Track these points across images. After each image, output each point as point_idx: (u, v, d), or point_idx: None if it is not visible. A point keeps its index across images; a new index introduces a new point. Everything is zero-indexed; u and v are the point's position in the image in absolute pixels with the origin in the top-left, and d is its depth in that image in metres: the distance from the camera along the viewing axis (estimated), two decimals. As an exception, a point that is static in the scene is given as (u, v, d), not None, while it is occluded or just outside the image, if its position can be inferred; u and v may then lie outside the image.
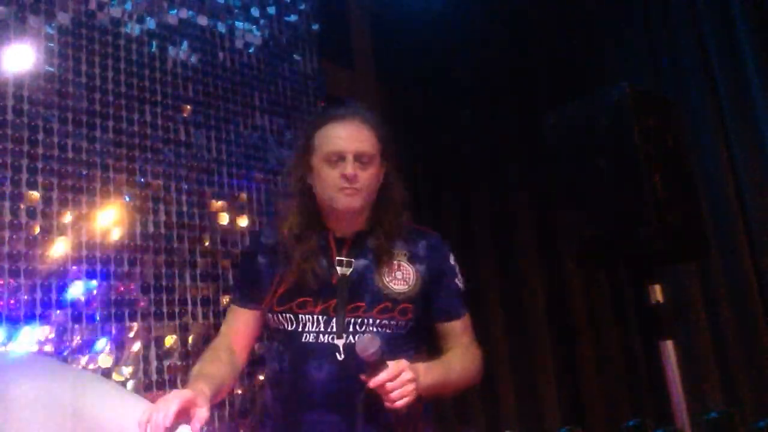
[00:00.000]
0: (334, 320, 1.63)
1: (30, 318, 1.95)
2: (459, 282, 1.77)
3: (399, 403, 1.43)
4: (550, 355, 2.97)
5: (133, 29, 2.41)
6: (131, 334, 2.16)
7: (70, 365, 1.95)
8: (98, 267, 2.13)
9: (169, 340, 2.26)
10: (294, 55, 2.98)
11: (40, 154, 2.07)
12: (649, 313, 1.87)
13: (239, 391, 2.37)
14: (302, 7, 3.07)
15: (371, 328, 1.62)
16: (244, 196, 2.62)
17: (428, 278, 1.71)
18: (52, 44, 2.18)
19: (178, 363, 2.25)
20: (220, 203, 2.53)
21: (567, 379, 2.94)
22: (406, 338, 1.69)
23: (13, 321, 1.92)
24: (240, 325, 1.77)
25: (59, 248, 2.06)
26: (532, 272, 3.07)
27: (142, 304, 2.21)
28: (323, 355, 1.61)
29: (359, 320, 1.63)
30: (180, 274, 2.33)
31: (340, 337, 1.62)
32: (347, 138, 1.68)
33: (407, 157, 3.08)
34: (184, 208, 2.40)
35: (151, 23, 2.47)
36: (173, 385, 2.21)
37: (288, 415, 1.65)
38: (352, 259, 1.69)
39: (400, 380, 1.43)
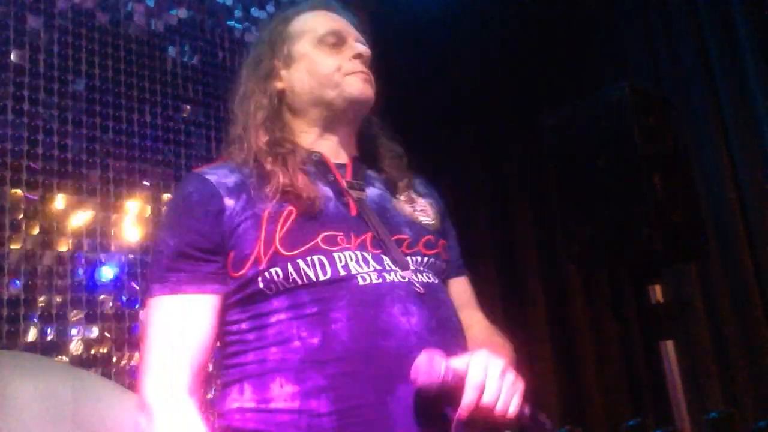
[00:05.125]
0: (383, 255, 1.13)
1: (31, 318, 1.95)
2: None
3: (512, 411, 0.98)
4: (549, 355, 2.97)
5: (133, 29, 2.41)
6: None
7: (70, 365, 1.95)
8: (98, 267, 2.13)
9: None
10: (294, 55, 2.98)
11: (40, 154, 2.07)
12: (649, 313, 1.87)
13: None
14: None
15: (424, 269, 1.18)
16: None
17: (440, 217, 1.33)
18: (52, 44, 2.18)
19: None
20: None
21: (567, 379, 2.94)
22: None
23: (14, 321, 1.92)
24: (198, 326, 1.10)
25: (59, 248, 2.06)
26: (532, 272, 3.07)
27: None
28: (404, 296, 1.09)
29: (409, 258, 1.17)
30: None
31: (406, 269, 1.14)
32: (344, 23, 1.32)
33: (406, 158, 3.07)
34: (184, 208, 2.40)
35: (151, 23, 2.47)
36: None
37: (356, 406, 1.01)
38: (363, 183, 1.25)
39: (494, 380, 0.97)
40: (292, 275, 1.08)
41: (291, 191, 1.13)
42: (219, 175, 1.18)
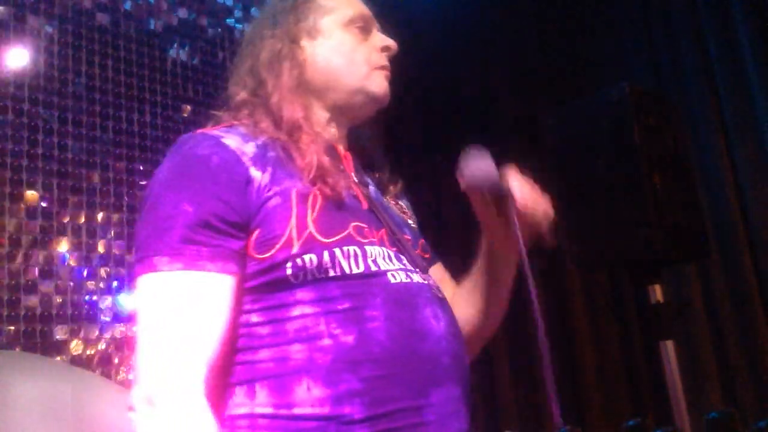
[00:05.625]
0: (400, 254, 1.08)
1: (31, 318, 1.95)
2: None
3: (551, 211, 1.09)
4: (549, 355, 2.97)
5: (133, 29, 2.41)
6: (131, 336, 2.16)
7: (70, 365, 1.95)
8: (98, 267, 2.13)
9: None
10: (294, 55, 2.98)
11: (40, 154, 2.07)
12: (649, 314, 1.87)
13: None
14: (302, 7, 3.08)
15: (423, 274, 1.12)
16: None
17: (413, 216, 1.29)
18: (52, 44, 2.18)
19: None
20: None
21: (567, 379, 2.93)
22: None
23: (14, 321, 1.92)
24: (217, 311, 0.95)
25: (59, 248, 2.06)
26: (532, 272, 3.07)
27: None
28: (430, 299, 1.05)
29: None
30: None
31: (425, 271, 1.10)
32: (367, 10, 1.21)
33: (406, 159, 3.08)
34: (184, 208, 2.40)
35: (151, 23, 2.47)
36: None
37: (391, 412, 0.94)
38: (364, 178, 1.18)
39: (529, 189, 1.06)
40: (326, 264, 0.97)
41: (318, 174, 1.03)
42: (236, 141, 1.03)
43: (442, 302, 1.08)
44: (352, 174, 1.14)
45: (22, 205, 2.00)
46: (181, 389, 0.90)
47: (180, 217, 0.95)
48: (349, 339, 0.95)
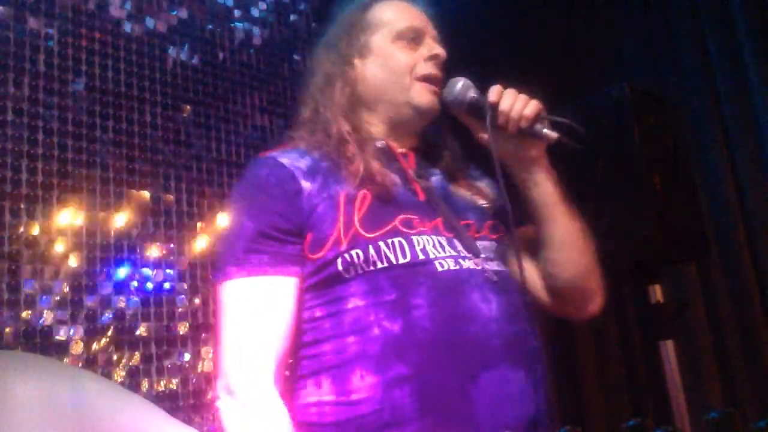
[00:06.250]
0: (455, 239, 1.15)
1: (31, 318, 1.95)
2: None
3: (531, 109, 1.15)
4: (549, 355, 2.97)
5: (133, 29, 2.41)
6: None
7: (70, 365, 1.95)
8: (98, 267, 2.13)
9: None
10: (294, 55, 2.98)
11: (40, 154, 2.07)
12: (649, 313, 1.87)
13: None
14: (302, 7, 3.07)
15: (493, 256, 1.18)
16: (244, 196, 2.62)
17: (496, 195, 1.32)
18: (52, 44, 2.18)
19: (177, 362, 2.25)
20: (220, 203, 2.53)
21: (567, 379, 2.93)
22: None
23: (14, 321, 1.92)
24: (282, 310, 1.10)
25: (59, 248, 2.06)
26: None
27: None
28: (481, 283, 1.11)
29: (478, 243, 1.19)
30: (180, 275, 2.33)
31: (478, 256, 1.15)
32: (423, 18, 1.30)
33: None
34: (185, 209, 2.40)
35: (151, 23, 2.47)
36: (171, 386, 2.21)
37: (439, 395, 1.02)
38: (428, 171, 1.27)
39: (511, 93, 1.16)
40: (372, 257, 1.07)
41: (366, 176, 1.14)
42: (291, 158, 1.18)
43: (495, 286, 1.12)
44: (411, 170, 1.23)
45: (23, 205, 2.00)
46: (254, 380, 1.05)
47: (242, 232, 1.12)
48: (396, 328, 1.05)
